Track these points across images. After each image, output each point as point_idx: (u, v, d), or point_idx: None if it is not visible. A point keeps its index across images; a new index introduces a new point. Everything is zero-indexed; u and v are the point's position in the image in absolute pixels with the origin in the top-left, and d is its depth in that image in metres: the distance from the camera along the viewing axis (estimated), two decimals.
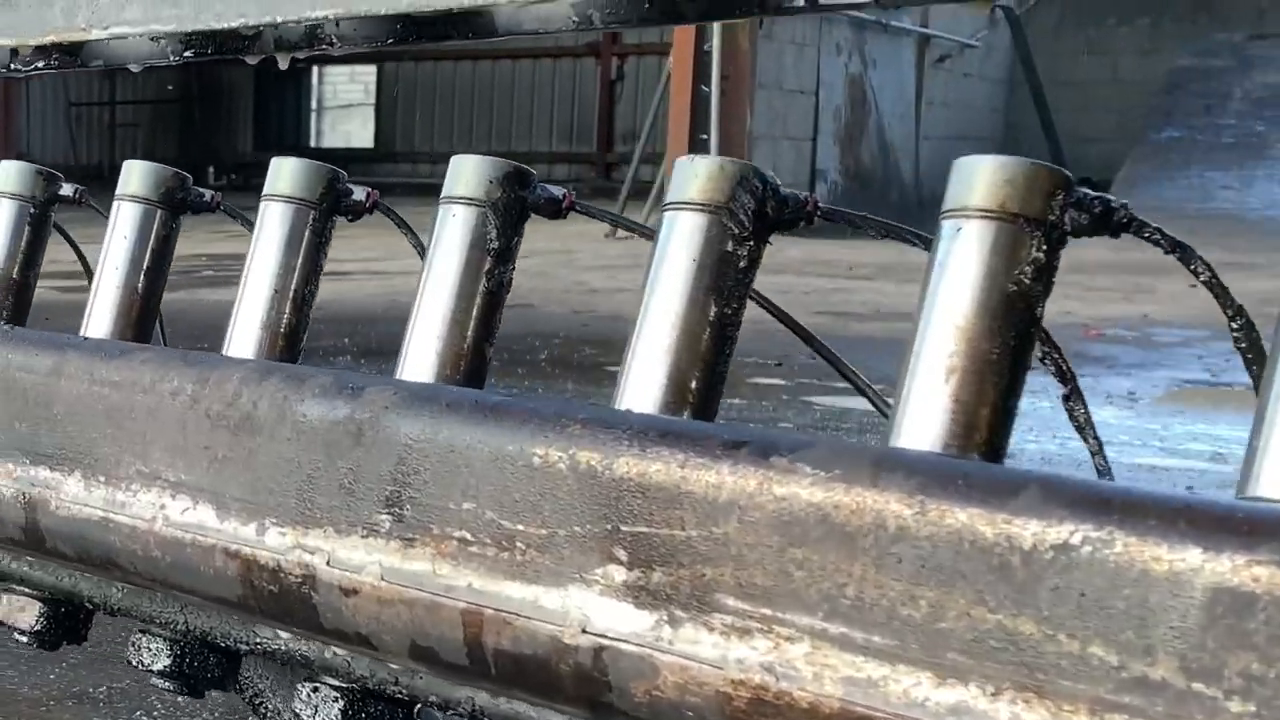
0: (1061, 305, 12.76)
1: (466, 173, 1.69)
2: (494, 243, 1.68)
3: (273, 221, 1.87)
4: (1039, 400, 9.65)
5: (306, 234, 1.87)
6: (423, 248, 1.93)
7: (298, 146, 31.77)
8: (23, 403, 1.70)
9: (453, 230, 1.69)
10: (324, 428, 1.41)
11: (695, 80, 19.10)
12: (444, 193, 1.71)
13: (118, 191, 2.05)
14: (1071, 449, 8.44)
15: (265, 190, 1.89)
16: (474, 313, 1.69)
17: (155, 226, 2.04)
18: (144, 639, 1.81)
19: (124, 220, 2.04)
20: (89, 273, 2.37)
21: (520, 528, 1.27)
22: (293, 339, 1.87)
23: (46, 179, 2.22)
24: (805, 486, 1.12)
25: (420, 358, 1.69)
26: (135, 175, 2.04)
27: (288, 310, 1.87)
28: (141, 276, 2.04)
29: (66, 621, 1.97)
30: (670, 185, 1.56)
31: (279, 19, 1.47)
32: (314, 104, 32.96)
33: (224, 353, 1.88)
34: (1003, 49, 29.31)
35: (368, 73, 31.88)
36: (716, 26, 18.62)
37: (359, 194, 1.87)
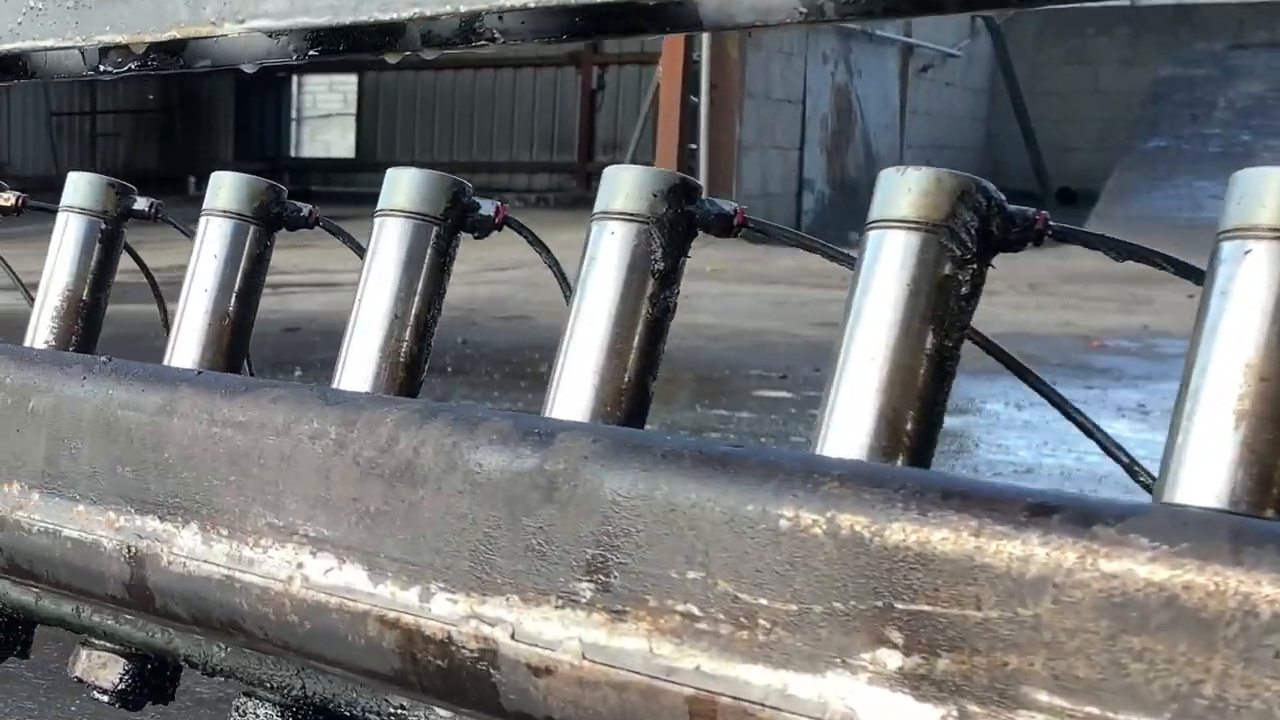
0: (1060, 315, 12.64)
1: (626, 185, 1.50)
2: (658, 264, 1.50)
3: (390, 239, 1.68)
4: (1050, 414, 9.49)
5: (429, 253, 1.68)
6: (560, 269, 1.75)
7: (278, 156, 31.56)
8: (127, 444, 1.51)
9: (610, 250, 1.51)
10: (505, 480, 1.22)
11: (684, 89, 18.94)
12: (599, 207, 1.52)
13: (205, 205, 1.86)
14: (1090, 463, 8.29)
15: (380, 204, 1.70)
16: (635, 342, 1.50)
17: (248, 244, 1.85)
18: (250, 704, 1.62)
19: (213, 237, 1.85)
20: (159, 296, 2.18)
21: (763, 602, 1.08)
22: (414, 370, 1.68)
23: (119, 192, 2.03)
24: (1143, 562, 0.94)
25: (573, 393, 1.50)
26: (225, 188, 1.85)
27: (408, 338, 1.68)
28: (232, 300, 1.85)
29: (153, 679, 1.79)
30: (875, 199, 1.38)
31: (462, 8, 1.28)
32: (293, 114, 32.71)
33: (335, 385, 1.69)
34: (984, 58, 29.29)
35: (347, 82, 31.68)
36: (706, 37, 18.49)
37: (487, 208, 1.68)
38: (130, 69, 1.59)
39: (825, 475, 1.08)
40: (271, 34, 1.47)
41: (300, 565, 1.35)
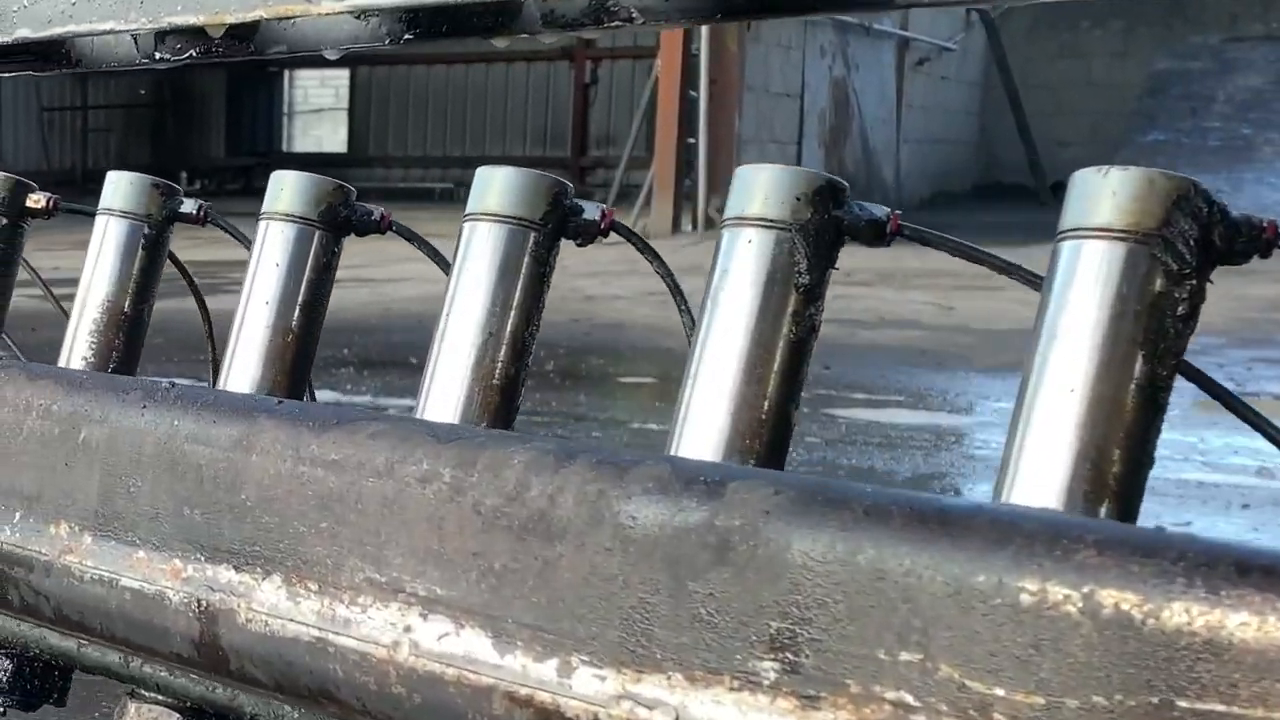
0: None
1: (765, 187, 1.32)
2: (802, 277, 1.31)
3: (481, 246, 1.49)
4: None
5: (526, 262, 1.49)
6: (674, 280, 1.56)
7: (270, 152, 31.33)
8: (195, 483, 1.32)
9: (745, 260, 1.32)
10: (666, 537, 1.04)
11: (684, 83, 18.76)
12: (732, 212, 1.34)
13: (264, 208, 1.68)
14: None
15: (470, 207, 1.51)
16: (775, 365, 1.32)
17: (313, 251, 1.66)
18: None
19: (274, 244, 1.66)
20: (203, 308, 2.00)
21: (999, 693, 0.90)
22: (510, 394, 1.50)
23: (164, 193, 1.84)
24: None
25: (705, 424, 1.32)
26: (288, 188, 1.66)
27: (503, 357, 1.49)
28: (296, 313, 1.66)
29: None
30: (1068, 204, 1.20)
31: None
32: (285, 108, 32.50)
33: (419, 414, 1.50)
34: (978, 52, 29.18)
35: (338, 77, 31.48)
36: (705, 31, 18.30)
37: (591, 211, 1.50)
38: (191, 56, 1.40)
39: (1078, 541, 0.89)
40: (360, 15, 1.28)
41: (408, 629, 1.16)
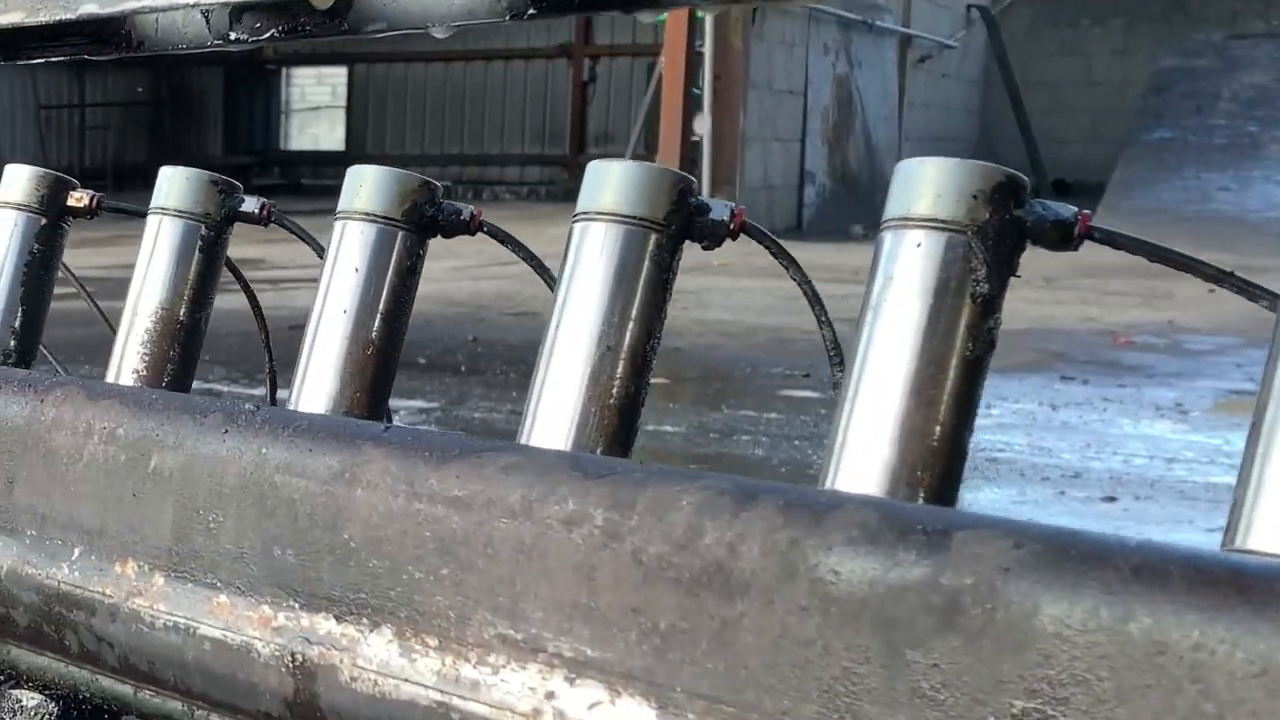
0: (1081, 311, 12.30)
1: (935, 184, 1.16)
2: (980, 285, 1.15)
3: (595, 249, 1.33)
4: (1087, 414, 9.24)
5: (646, 267, 1.33)
6: (812, 288, 1.40)
7: (267, 149, 31.18)
8: (289, 521, 1.15)
9: (913, 267, 1.16)
10: (877, 596, 0.88)
11: (687, 80, 18.60)
12: (895, 211, 1.18)
13: (341, 206, 1.52)
14: (1138, 466, 7.99)
15: (581, 205, 1.35)
16: (948, 385, 1.16)
17: (395, 254, 1.50)
18: None
19: (352, 246, 1.50)
20: (260, 317, 1.83)
21: None
22: (629, 414, 1.33)
23: (223, 191, 1.67)
24: None
25: (866, 454, 1.16)
26: (369, 185, 1.50)
27: (621, 374, 1.33)
28: (377, 322, 1.50)
29: None
30: None
31: None
32: (282, 107, 32.35)
33: (524, 436, 1.34)
34: (979, 50, 29.07)
35: (335, 75, 31.33)
36: (709, 26, 18.14)
37: (719, 211, 1.34)
38: (274, 34, 1.24)
39: None
40: None
41: (551, 695, 1.00)
